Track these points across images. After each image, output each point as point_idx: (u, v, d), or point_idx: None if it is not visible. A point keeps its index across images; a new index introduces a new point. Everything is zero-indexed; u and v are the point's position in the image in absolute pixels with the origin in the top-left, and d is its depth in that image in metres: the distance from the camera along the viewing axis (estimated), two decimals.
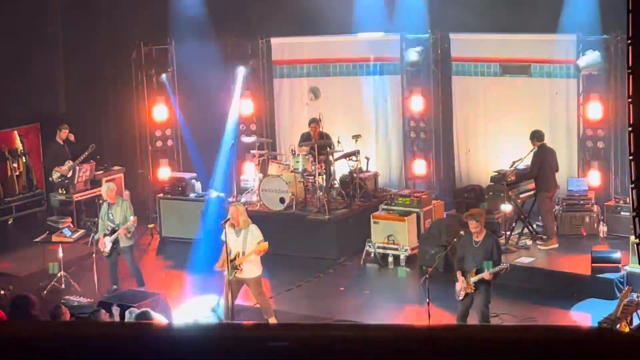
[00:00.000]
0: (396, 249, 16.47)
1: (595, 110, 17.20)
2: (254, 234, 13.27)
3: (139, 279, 15.14)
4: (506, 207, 15.82)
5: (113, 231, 14.88)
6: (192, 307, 14.03)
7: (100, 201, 15.65)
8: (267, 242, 13.26)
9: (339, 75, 19.29)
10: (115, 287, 15.08)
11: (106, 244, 14.90)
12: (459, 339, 2.41)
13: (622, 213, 16.11)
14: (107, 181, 18.99)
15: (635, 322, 11.86)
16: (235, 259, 13.15)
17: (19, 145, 18.71)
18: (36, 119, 19.10)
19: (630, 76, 5.19)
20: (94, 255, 14.68)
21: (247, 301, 14.03)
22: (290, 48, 19.60)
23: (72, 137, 18.68)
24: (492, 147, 18.30)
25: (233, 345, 2.43)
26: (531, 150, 16.08)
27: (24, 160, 18.79)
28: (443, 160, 18.94)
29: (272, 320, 13.26)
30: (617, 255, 14.61)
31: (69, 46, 19.66)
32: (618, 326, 11.16)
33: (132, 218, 14.92)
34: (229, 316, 13.08)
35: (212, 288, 14.48)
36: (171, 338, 2.47)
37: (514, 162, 16.30)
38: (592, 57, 16.66)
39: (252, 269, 13.32)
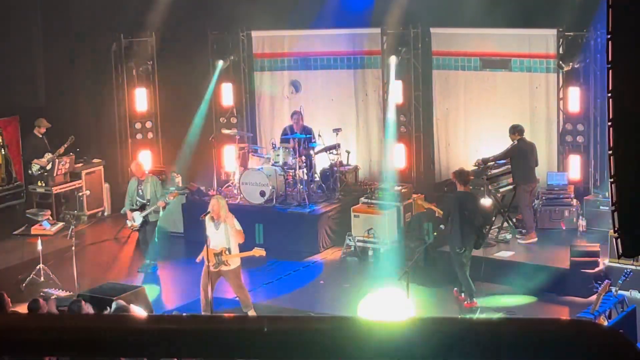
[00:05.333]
0: (376, 243, 16.49)
1: (574, 104, 17.27)
2: (234, 226, 13.28)
3: (152, 253, 15.83)
4: (486, 201, 15.85)
5: (143, 206, 15.63)
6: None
7: (129, 179, 16.38)
8: (263, 250, 13.34)
9: (320, 68, 19.28)
10: (148, 261, 15.88)
11: (136, 218, 15.67)
12: (437, 332, 2.41)
13: (601, 207, 16.17)
14: (87, 174, 18.99)
15: (614, 315, 11.93)
16: (220, 253, 13.13)
17: None
18: (15, 111, 18.99)
19: (610, 71, 5.22)
20: (73, 247, 14.63)
21: (226, 294, 14.03)
22: (271, 41, 19.57)
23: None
24: (472, 141, 18.33)
25: (212, 338, 2.43)
26: (511, 145, 16.14)
27: (3, 153, 18.68)
28: (423, 153, 18.96)
29: (252, 313, 13.26)
30: (596, 249, 14.66)
31: (49, 38, 19.55)
32: (596, 320, 11.23)
33: (167, 195, 15.83)
34: (207, 309, 13.08)
35: (192, 280, 14.47)
36: (149, 330, 2.46)
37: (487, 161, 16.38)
38: None
39: (231, 261, 13.33)
